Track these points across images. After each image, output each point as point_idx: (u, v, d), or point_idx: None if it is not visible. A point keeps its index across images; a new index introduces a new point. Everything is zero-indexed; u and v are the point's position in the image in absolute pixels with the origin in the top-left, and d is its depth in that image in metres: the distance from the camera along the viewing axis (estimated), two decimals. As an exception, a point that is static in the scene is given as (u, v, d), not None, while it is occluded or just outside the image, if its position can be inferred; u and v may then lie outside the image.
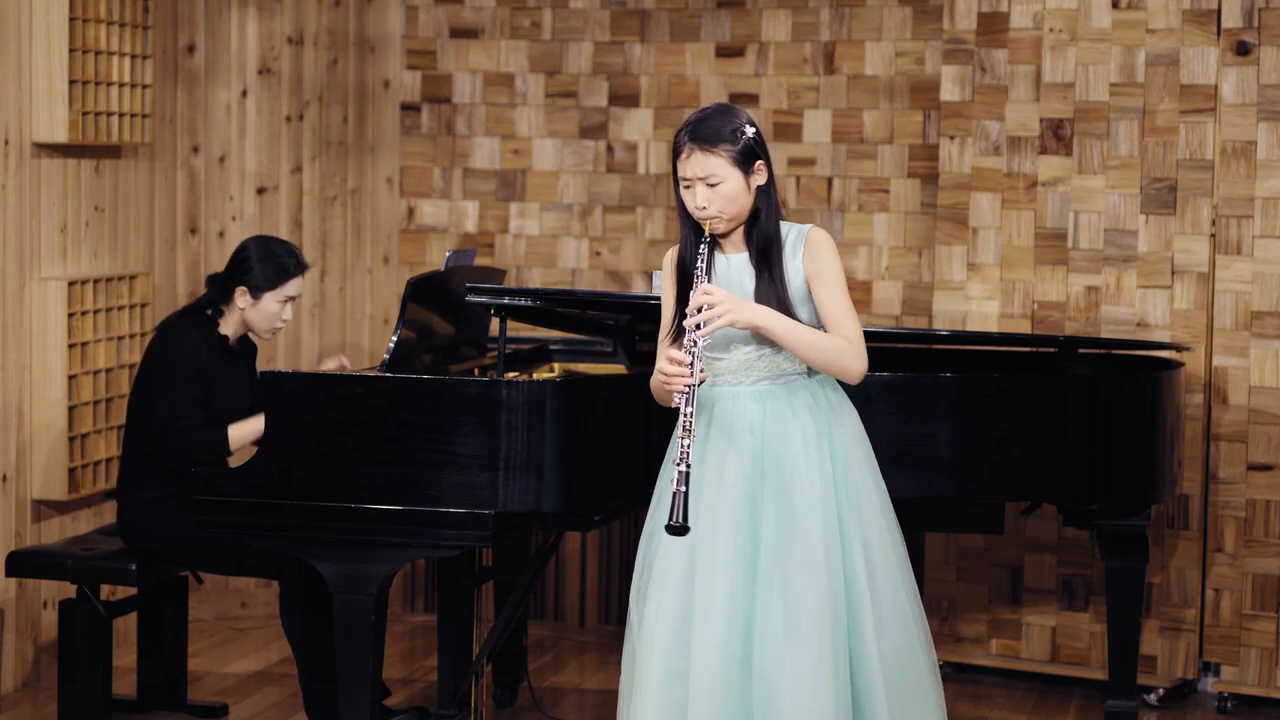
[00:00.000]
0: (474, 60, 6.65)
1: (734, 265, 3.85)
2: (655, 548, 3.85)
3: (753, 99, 6.36)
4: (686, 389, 3.66)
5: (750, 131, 3.79)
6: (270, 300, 5.10)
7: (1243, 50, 5.59)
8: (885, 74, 6.23)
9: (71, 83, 5.55)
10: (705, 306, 3.69)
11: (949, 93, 5.92)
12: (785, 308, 3.78)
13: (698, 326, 3.69)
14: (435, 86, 6.68)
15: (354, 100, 6.64)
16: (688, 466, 3.62)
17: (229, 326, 5.14)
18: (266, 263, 5.10)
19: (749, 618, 3.75)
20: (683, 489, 3.61)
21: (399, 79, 6.70)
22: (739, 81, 6.38)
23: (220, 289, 5.11)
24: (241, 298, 5.09)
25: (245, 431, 4.94)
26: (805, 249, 3.81)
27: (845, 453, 3.84)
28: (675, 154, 3.81)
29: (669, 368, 3.69)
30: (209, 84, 6.38)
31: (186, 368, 5.00)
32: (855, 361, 3.79)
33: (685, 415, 3.65)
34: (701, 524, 3.78)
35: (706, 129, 3.77)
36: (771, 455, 3.79)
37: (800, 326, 3.77)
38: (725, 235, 3.85)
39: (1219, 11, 5.61)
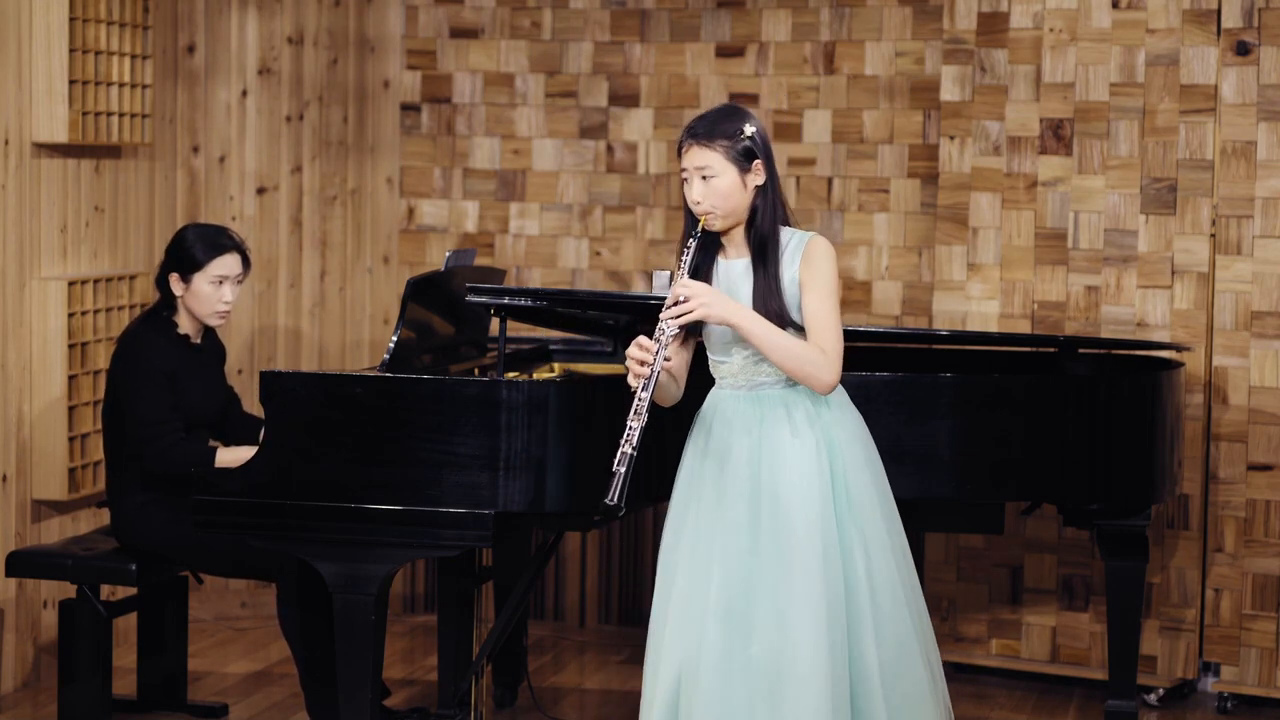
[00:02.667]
0: (474, 60, 6.65)
1: (734, 270, 3.87)
2: (671, 551, 3.88)
3: (753, 99, 6.36)
4: (647, 377, 3.68)
5: (750, 130, 3.80)
6: (200, 282, 5.02)
7: (1243, 50, 5.60)
8: (885, 74, 6.23)
9: (71, 83, 5.55)
10: (682, 299, 3.71)
11: (949, 93, 5.92)
12: (778, 310, 3.79)
13: (671, 316, 3.72)
14: (435, 86, 6.68)
15: (354, 100, 6.64)
16: (634, 450, 3.65)
17: (185, 322, 5.09)
18: (193, 245, 5.03)
19: (746, 617, 3.75)
20: (622, 470, 3.64)
21: (399, 79, 6.70)
22: (739, 81, 6.38)
23: (160, 282, 5.09)
24: (176, 285, 5.04)
25: (232, 458, 4.82)
26: (803, 256, 3.82)
27: (846, 457, 3.85)
28: (679, 148, 3.84)
29: (635, 350, 3.72)
30: (209, 84, 6.38)
31: (153, 372, 4.95)
32: (825, 373, 3.78)
33: (639, 399, 3.68)
34: (702, 524, 3.80)
35: (706, 124, 3.81)
36: (768, 458, 3.80)
37: (775, 331, 3.77)
38: (723, 234, 3.86)
39: (1219, 11, 5.61)
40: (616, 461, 3.64)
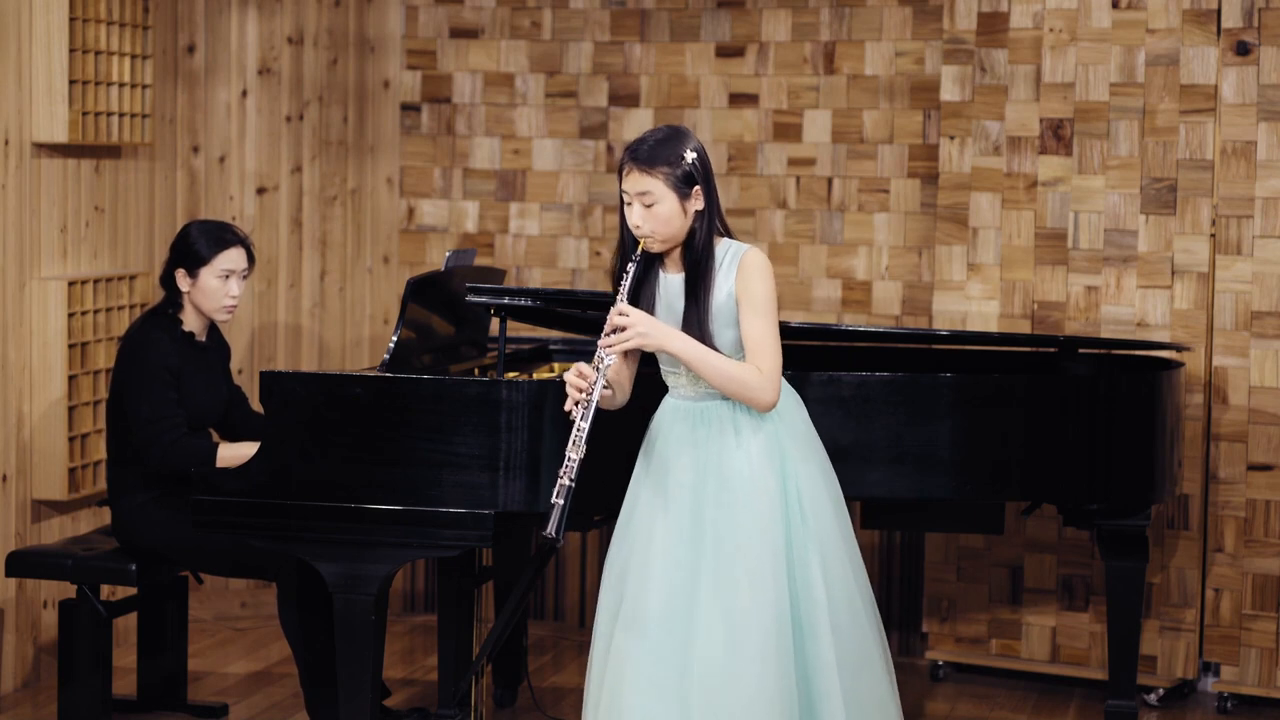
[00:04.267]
0: (474, 60, 6.65)
1: (671, 285, 3.91)
2: (620, 552, 3.91)
3: (753, 99, 6.36)
4: (585, 403, 3.70)
5: (690, 157, 3.82)
6: (208, 276, 5.03)
7: (1243, 50, 5.60)
8: (885, 74, 6.23)
9: (71, 83, 5.55)
10: (618, 327, 3.75)
11: (949, 93, 5.93)
12: (705, 333, 3.82)
13: (608, 344, 3.75)
14: (435, 86, 6.68)
15: (354, 100, 6.64)
16: (571, 481, 3.69)
17: (190, 320, 5.10)
18: (199, 240, 5.05)
19: (688, 631, 3.77)
20: (560, 502, 3.67)
21: (399, 79, 6.70)
22: (739, 81, 6.38)
23: (166, 279, 5.10)
24: (182, 280, 5.05)
25: (235, 454, 4.87)
26: (739, 273, 3.83)
27: (797, 462, 3.87)
28: (620, 169, 3.86)
29: (573, 377, 3.76)
30: (209, 84, 6.38)
31: (158, 368, 4.96)
32: (763, 392, 3.80)
33: (577, 429, 3.72)
34: (642, 532, 3.85)
35: (647, 150, 3.82)
36: (714, 468, 3.83)
37: (710, 355, 3.79)
38: (663, 255, 3.90)
39: (1219, 11, 5.61)
40: (555, 493, 3.69)
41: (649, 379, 4.03)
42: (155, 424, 4.92)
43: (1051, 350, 5.50)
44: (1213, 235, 5.65)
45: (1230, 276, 5.63)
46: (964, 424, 4.78)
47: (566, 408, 3.77)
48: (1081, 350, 5.46)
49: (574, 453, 3.71)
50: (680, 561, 3.80)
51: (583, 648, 6.25)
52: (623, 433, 4.27)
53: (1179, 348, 5.39)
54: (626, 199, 3.84)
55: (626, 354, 3.92)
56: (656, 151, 3.81)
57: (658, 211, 3.81)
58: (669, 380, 3.96)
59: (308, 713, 5.02)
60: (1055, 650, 5.87)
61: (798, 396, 4.00)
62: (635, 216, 3.82)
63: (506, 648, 5.45)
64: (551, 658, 6.12)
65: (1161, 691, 5.68)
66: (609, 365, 3.76)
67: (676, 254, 3.90)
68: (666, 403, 3.96)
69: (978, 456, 4.80)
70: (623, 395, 3.93)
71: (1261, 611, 5.64)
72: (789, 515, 3.81)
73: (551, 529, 3.67)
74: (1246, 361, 5.62)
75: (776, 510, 3.79)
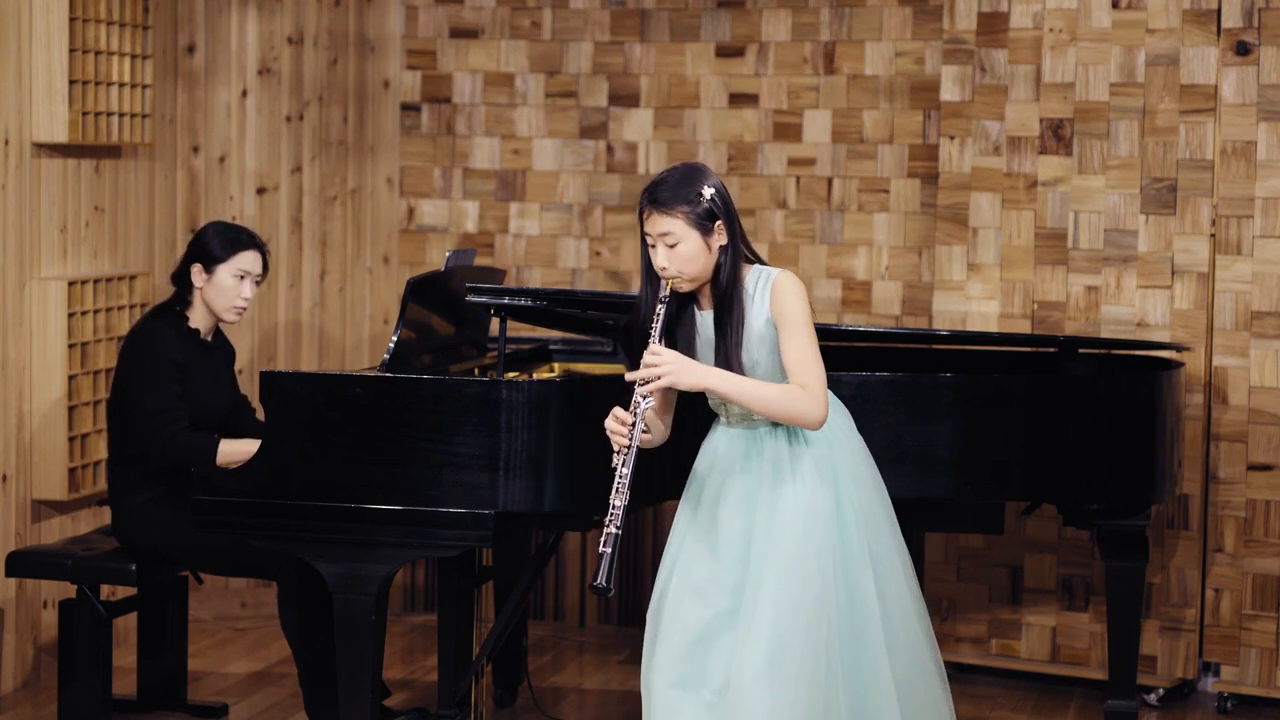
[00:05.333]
0: (474, 60, 6.65)
1: (708, 321, 3.88)
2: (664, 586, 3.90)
3: (753, 99, 6.36)
4: (625, 449, 3.69)
5: (709, 193, 3.80)
6: (224, 274, 5.05)
7: (1243, 50, 5.60)
8: (885, 74, 6.23)
9: (71, 83, 5.55)
10: (652, 366, 3.73)
11: (949, 93, 5.92)
12: (739, 364, 3.80)
13: (643, 386, 3.72)
14: (435, 86, 6.68)
15: (354, 100, 6.64)
16: (617, 529, 3.66)
17: (197, 318, 5.11)
18: (219, 237, 5.08)
19: (730, 653, 3.77)
20: (608, 550, 3.65)
21: (399, 79, 6.70)
22: (739, 81, 6.38)
23: (179, 274, 5.11)
24: (197, 276, 5.06)
25: (237, 450, 4.89)
26: (771, 297, 3.82)
27: (850, 480, 3.86)
28: (640, 212, 3.84)
29: (612, 424, 3.74)
30: (209, 84, 6.38)
31: (162, 361, 4.97)
32: (811, 410, 3.77)
33: (620, 477, 3.69)
34: (697, 557, 3.83)
35: (664, 191, 3.80)
36: (766, 498, 3.82)
37: (749, 384, 3.76)
38: (696, 292, 3.88)
39: (1219, 11, 5.61)
40: (602, 543, 3.66)
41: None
42: (158, 417, 4.92)
43: (1051, 350, 5.50)
44: (1213, 235, 5.65)
45: (1230, 276, 5.63)
46: (964, 424, 4.78)
47: (613, 464, 3.72)
48: (1081, 350, 5.46)
49: (618, 500, 3.66)
50: (727, 607, 3.79)
51: (583, 648, 6.26)
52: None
53: (1179, 348, 5.39)
54: (650, 241, 3.82)
55: (665, 393, 3.90)
56: (675, 192, 3.79)
57: (681, 251, 3.79)
58: (717, 410, 3.94)
59: (307, 713, 5.02)
60: (1055, 650, 5.87)
61: (847, 412, 3.98)
62: (660, 258, 3.80)
63: (506, 648, 5.45)
64: (551, 658, 6.12)
65: (1161, 691, 5.68)
66: (646, 409, 3.73)
67: (708, 290, 3.88)
68: (717, 431, 3.94)
69: (978, 456, 4.80)
70: (659, 435, 3.90)
71: (1261, 611, 5.64)
72: (844, 537, 3.81)
73: (601, 579, 3.63)
74: (1246, 361, 5.62)
75: (830, 533, 3.79)
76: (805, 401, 3.76)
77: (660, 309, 3.81)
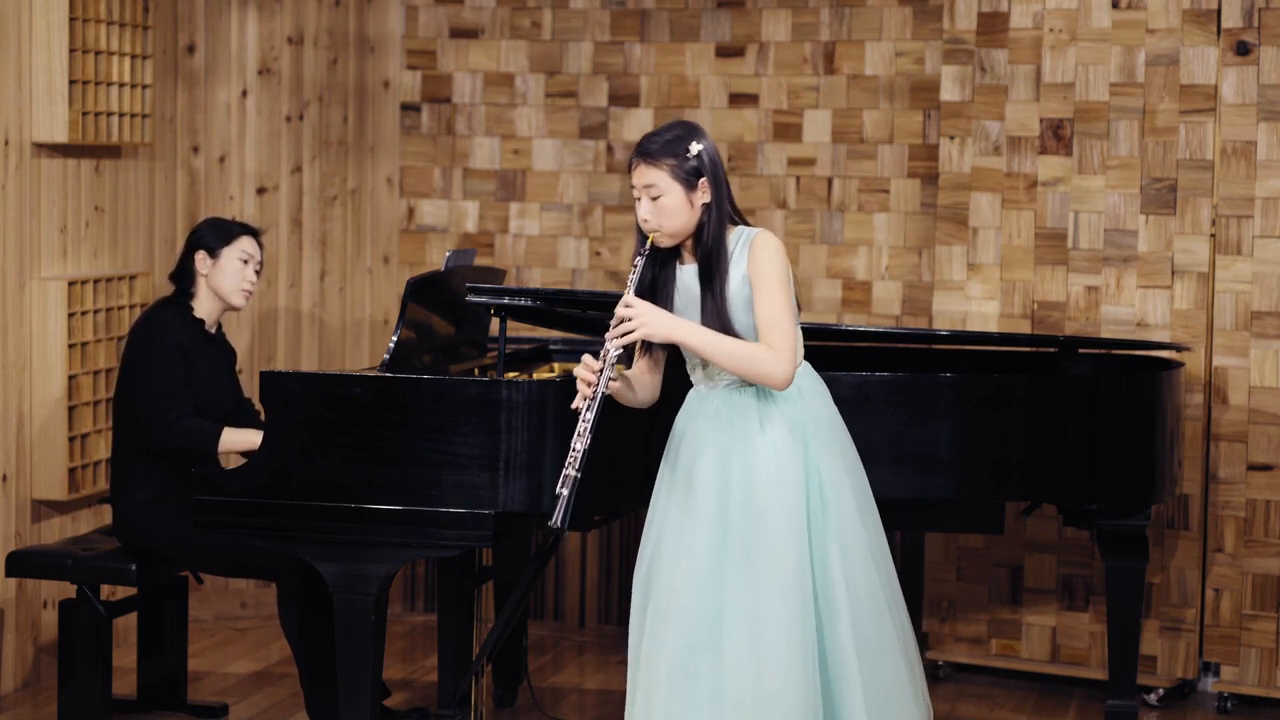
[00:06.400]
0: (474, 60, 6.65)
1: (688, 276, 3.91)
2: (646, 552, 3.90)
3: (753, 99, 6.36)
4: (591, 394, 3.71)
5: (696, 149, 3.83)
6: (229, 257, 5.11)
7: (1243, 50, 5.59)
8: (885, 74, 6.23)
9: (71, 83, 5.55)
10: (623, 319, 3.75)
11: (949, 93, 5.92)
12: (725, 321, 3.82)
13: (614, 336, 3.76)
14: (435, 86, 6.68)
15: (354, 100, 6.64)
16: (577, 473, 3.69)
17: (202, 307, 5.14)
18: (216, 226, 5.17)
19: (716, 626, 3.78)
20: (565, 492, 3.68)
21: (399, 79, 6.70)
22: (739, 81, 6.38)
23: (181, 267, 5.15)
24: (202, 263, 5.11)
25: (239, 439, 4.92)
26: (749, 254, 3.84)
27: (821, 452, 3.88)
28: (630, 165, 3.89)
29: (581, 370, 3.76)
30: (209, 84, 6.38)
31: (169, 347, 5.00)
32: (776, 369, 3.79)
33: (583, 420, 3.73)
34: (671, 523, 3.84)
35: (653, 144, 3.85)
36: (739, 455, 3.83)
37: (719, 339, 3.79)
38: (680, 248, 3.91)
39: (1219, 11, 5.61)
40: (560, 484, 3.69)
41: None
42: (163, 399, 4.94)
43: (1051, 350, 5.50)
44: (1213, 235, 5.65)
45: (1230, 276, 5.63)
46: (964, 424, 4.78)
47: (574, 405, 3.77)
48: (1081, 350, 5.46)
49: (579, 444, 3.71)
50: (705, 564, 3.80)
51: (583, 648, 6.26)
52: (626, 434, 4.28)
53: (1179, 348, 5.39)
54: (636, 193, 3.86)
55: (651, 352, 3.93)
56: (664, 145, 3.84)
57: (663, 204, 3.82)
58: (691, 374, 3.96)
59: (308, 713, 5.02)
60: (1055, 650, 5.87)
61: (821, 381, 3.99)
62: (643, 210, 3.84)
63: (506, 648, 5.45)
64: (551, 658, 6.12)
65: (1161, 691, 5.68)
66: (615, 357, 3.76)
67: (691, 246, 3.90)
68: (691, 394, 3.97)
69: (978, 456, 4.80)
70: (648, 394, 3.94)
71: (1261, 611, 5.64)
72: (810, 506, 3.82)
73: (556, 519, 3.68)
74: (1246, 361, 5.61)
75: (800, 503, 3.80)
76: (771, 362, 3.78)
77: (639, 261, 3.85)
